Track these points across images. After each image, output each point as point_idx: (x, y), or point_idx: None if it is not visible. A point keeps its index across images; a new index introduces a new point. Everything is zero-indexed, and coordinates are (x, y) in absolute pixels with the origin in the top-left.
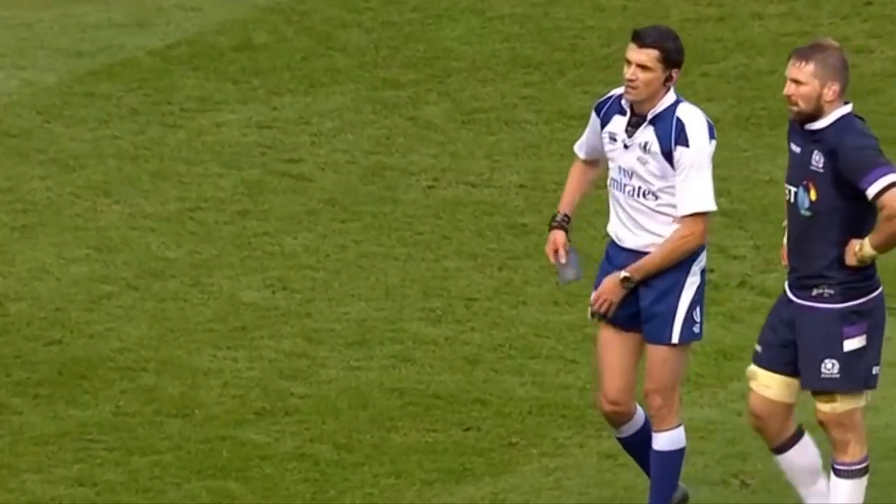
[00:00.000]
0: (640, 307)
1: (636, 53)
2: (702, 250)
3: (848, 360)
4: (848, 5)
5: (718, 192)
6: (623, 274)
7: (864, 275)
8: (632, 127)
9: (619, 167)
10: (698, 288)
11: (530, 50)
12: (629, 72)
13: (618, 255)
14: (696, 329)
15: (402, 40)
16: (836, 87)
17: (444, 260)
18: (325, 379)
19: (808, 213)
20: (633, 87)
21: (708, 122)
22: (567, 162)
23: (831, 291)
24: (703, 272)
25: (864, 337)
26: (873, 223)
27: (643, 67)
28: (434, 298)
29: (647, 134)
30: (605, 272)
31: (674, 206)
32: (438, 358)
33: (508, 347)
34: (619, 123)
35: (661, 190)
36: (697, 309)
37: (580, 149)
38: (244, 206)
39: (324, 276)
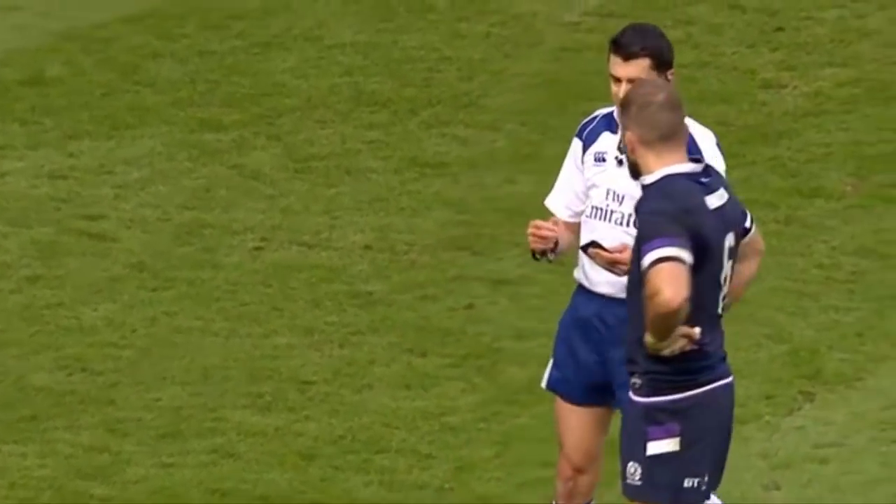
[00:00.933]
0: (612, 373)
1: (623, 68)
2: None
3: (650, 465)
4: (755, 31)
5: None
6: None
7: (678, 367)
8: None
9: (608, 191)
10: None
11: (376, 85)
12: (620, 90)
13: (588, 304)
14: None
15: (223, 73)
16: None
17: (274, 336)
18: (131, 478)
19: (627, 286)
20: None
21: (717, 139)
22: (421, 219)
23: (639, 381)
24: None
25: (675, 441)
26: (696, 296)
27: (634, 81)
28: (262, 382)
29: None
30: (567, 331)
31: None
32: (267, 452)
33: (351, 440)
34: (608, 141)
35: None
36: None
37: (556, 203)
38: (34, 271)
39: (130, 354)
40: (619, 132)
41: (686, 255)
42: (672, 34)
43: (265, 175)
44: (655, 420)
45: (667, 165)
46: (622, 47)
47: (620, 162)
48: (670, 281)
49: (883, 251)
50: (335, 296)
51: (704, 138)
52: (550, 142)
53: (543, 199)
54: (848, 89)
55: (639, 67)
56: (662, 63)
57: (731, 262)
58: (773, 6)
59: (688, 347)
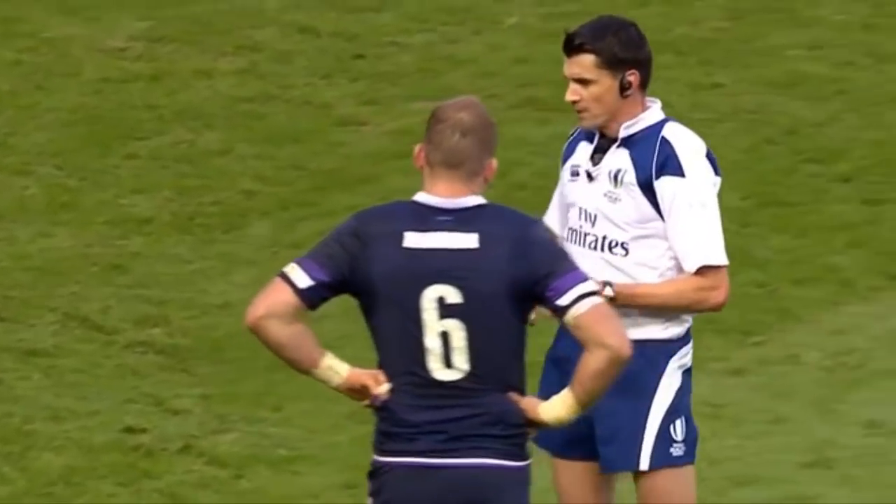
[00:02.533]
0: (593, 423)
1: (568, 66)
2: (688, 342)
3: None
4: (330, 59)
5: (153, 322)
6: (608, 291)
7: (378, 425)
8: (599, 153)
9: (580, 210)
10: (679, 393)
11: None
12: (568, 91)
13: (567, 341)
14: (678, 451)
15: None
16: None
17: None
18: None
19: None
20: (583, 111)
21: (708, 150)
22: None
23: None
24: (686, 373)
25: (371, 500)
26: (378, 346)
27: (582, 81)
28: None
29: (618, 158)
30: (548, 372)
31: (653, 268)
32: None
33: None
34: (584, 152)
35: (637, 240)
36: (679, 423)
37: (551, 221)
38: None
39: None
40: (595, 140)
41: (298, 276)
42: (234, 63)
43: None
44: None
45: (423, 190)
46: (565, 43)
47: (590, 177)
48: (259, 295)
49: None
50: None
51: (686, 148)
52: (91, 188)
53: (81, 254)
54: None
55: (581, 66)
56: (614, 61)
57: (457, 323)
58: (351, 30)
59: (362, 403)
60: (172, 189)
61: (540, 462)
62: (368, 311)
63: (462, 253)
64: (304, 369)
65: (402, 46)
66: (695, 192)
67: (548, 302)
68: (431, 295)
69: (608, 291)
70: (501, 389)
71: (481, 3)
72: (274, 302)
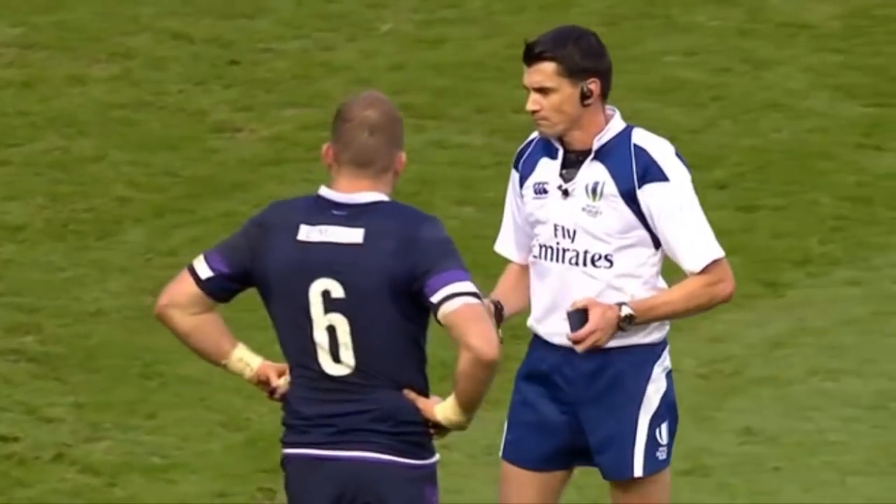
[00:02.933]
0: (589, 433)
1: (528, 75)
2: (667, 344)
3: None
4: (205, 65)
5: (25, 329)
6: (626, 311)
7: (282, 418)
8: (570, 168)
9: (555, 227)
10: (664, 396)
11: None
12: (529, 101)
13: (545, 358)
14: (662, 454)
15: None
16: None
17: None
18: None
19: None
20: (542, 120)
21: (676, 149)
22: None
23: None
24: (668, 375)
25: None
26: (279, 339)
27: (543, 90)
28: None
29: (594, 171)
30: (524, 389)
31: (636, 277)
32: None
33: None
34: (548, 169)
35: (621, 251)
36: (664, 426)
37: (507, 245)
38: None
39: None
40: (560, 155)
41: (202, 267)
42: (108, 70)
43: None
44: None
45: (327, 187)
46: (525, 52)
47: (566, 192)
48: (168, 284)
49: None
50: None
51: (662, 153)
52: None
53: None
54: (314, 133)
55: (542, 74)
56: (575, 70)
57: (341, 318)
58: (226, 36)
59: (264, 391)
60: (45, 196)
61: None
62: (266, 303)
63: (346, 248)
64: (214, 360)
65: (276, 53)
66: (681, 193)
67: (423, 299)
68: (317, 288)
69: (626, 311)
70: (392, 386)
71: (356, 10)
72: (177, 292)
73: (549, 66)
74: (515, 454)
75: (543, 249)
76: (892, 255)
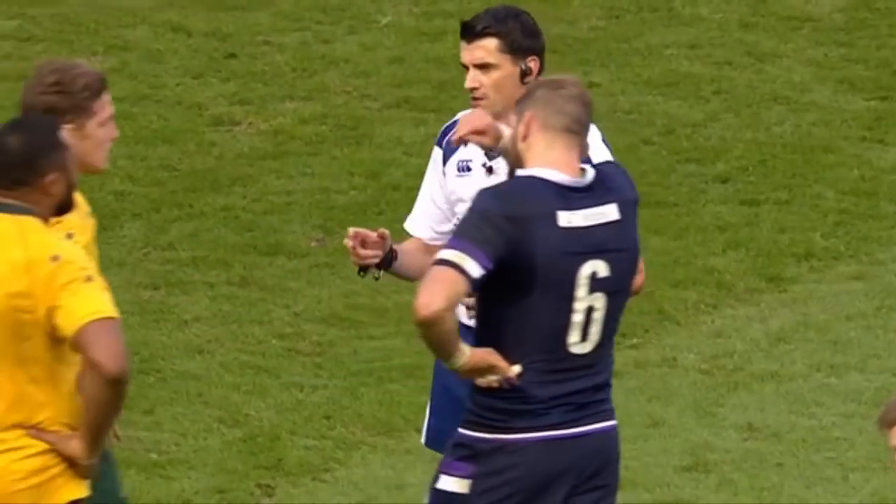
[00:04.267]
0: None
1: (468, 52)
2: None
3: (435, 498)
4: (203, 58)
5: None
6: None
7: (489, 404)
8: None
9: None
10: None
11: None
12: (468, 79)
13: (465, 338)
14: None
15: None
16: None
17: None
18: None
19: None
20: (480, 98)
21: (603, 135)
22: None
23: (466, 409)
24: None
25: (465, 483)
26: (511, 327)
27: (483, 67)
28: None
29: None
30: (444, 374)
31: None
32: None
33: None
34: (472, 147)
35: None
36: None
37: (418, 223)
38: None
39: None
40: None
41: (472, 266)
42: (104, 63)
43: None
44: (456, 454)
45: (542, 166)
46: (466, 29)
47: (490, 170)
48: (429, 286)
49: (354, 318)
50: None
51: (591, 131)
52: None
53: None
54: (313, 127)
55: (484, 50)
56: (516, 47)
57: (601, 296)
58: (224, 29)
59: (495, 384)
60: None
61: None
62: (513, 291)
63: (609, 226)
64: (448, 356)
65: (275, 46)
66: None
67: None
68: (586, 271)
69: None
70: (609, 354)
71: (356, 3)
72: (454, 293)
73: (491, 43)
74: (437, 441)
75: None
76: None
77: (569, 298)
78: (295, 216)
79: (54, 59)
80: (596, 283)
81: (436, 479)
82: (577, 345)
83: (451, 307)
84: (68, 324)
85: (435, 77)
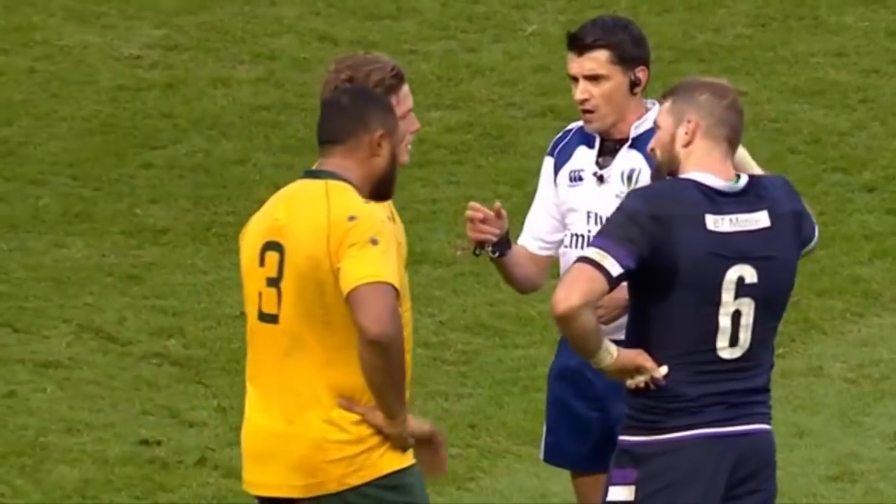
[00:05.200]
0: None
1: (577, 64)
2: None
3: None
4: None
5: (169, 333)
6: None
7: (642, 405)
8: (606, 155)
9: (588, 214)
10: None
11: None
12: (578, 91)
13: (574, 355)
14: None
15: None
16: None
17: None
18: None
19: None
20: (592, 111)
21: None
22: None
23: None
24: None
25: (629, 489)
26: (658, 327)
27: (594, 78)
28: None
29: (630, 159)
30: (555, 388)
31: None
32: None
33: None
34: (584, 157)
35: None
36: None
37: (526, 235)
38: None
39: None
40: (596, 144)
41: (611, 264)
42: (251, 71)
43: None
44: (619, 462)
45: (699, 170)
46: (576, 40)
47: (601, 179)
48: (568, 283)
49: (499, 326)
50: None
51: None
52: (106, 197)
53: (96, 265)
54: (458, 135)
55: (595, 61)
56: (626, 58)
57: (749, 302)
58: (370, 38)
59: (642, 384)
60: (189, 199)
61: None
62: (658, 291)
63: (758, 234)
64: (591, 352)
65: (421, 54)
66: None
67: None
68: (732, 276)
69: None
70: (767, 364)
71: (501, 11)
72: (591, 290)
73: (602, 54)
74: (559, 456)
75: (575, 238)
76: None
77: (714, 302)
78: (440, 224)
79: (351, 54)
80: (743, 289)
81: (605, 494)
82: (726, 350)
83: (588, 304)
84: (344, 286)
85: None
